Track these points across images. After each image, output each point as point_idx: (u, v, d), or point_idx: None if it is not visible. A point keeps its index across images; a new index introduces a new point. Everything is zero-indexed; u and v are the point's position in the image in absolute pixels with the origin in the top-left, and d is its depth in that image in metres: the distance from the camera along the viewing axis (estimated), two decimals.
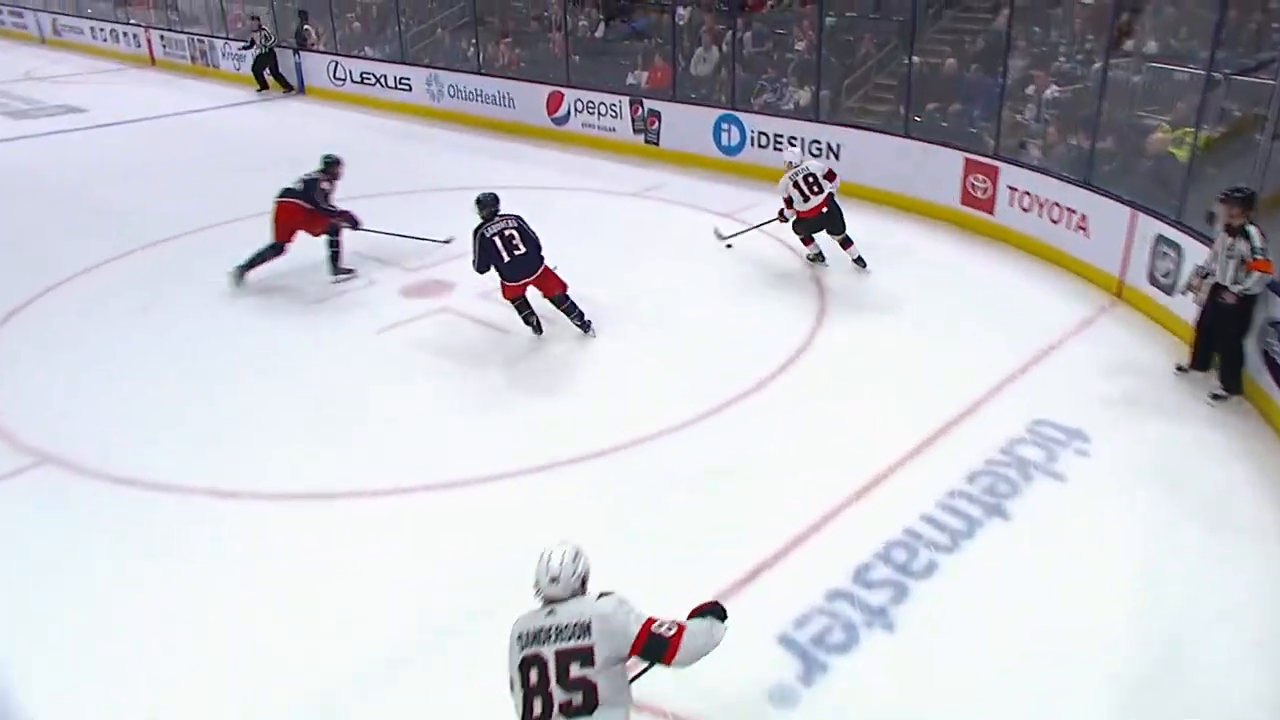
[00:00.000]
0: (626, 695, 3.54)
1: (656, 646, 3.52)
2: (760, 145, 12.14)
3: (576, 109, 13.93)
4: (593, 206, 11.43)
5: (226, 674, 4.77)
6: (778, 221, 9.45)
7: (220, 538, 5.75)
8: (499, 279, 7.88)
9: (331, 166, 9.38)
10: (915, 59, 11.21)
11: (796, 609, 4.94)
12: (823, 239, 9.36)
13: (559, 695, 3.40)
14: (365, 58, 17.44)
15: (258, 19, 18.48)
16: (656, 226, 10.81)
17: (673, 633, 3.54)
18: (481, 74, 15.36)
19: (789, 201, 9.17)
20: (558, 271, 7.96)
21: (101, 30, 23.52)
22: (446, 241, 9.65)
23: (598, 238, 10.22)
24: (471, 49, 15.84)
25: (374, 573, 5.38)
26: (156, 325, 8.56)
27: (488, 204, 8.01)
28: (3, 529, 5.90)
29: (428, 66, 16.22)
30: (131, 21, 22.82)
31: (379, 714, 4.52)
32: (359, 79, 17.17)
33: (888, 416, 6.73)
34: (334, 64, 17.60)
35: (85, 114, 16.98)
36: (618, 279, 9.16)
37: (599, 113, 13.65)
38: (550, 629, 3.48)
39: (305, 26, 18.36)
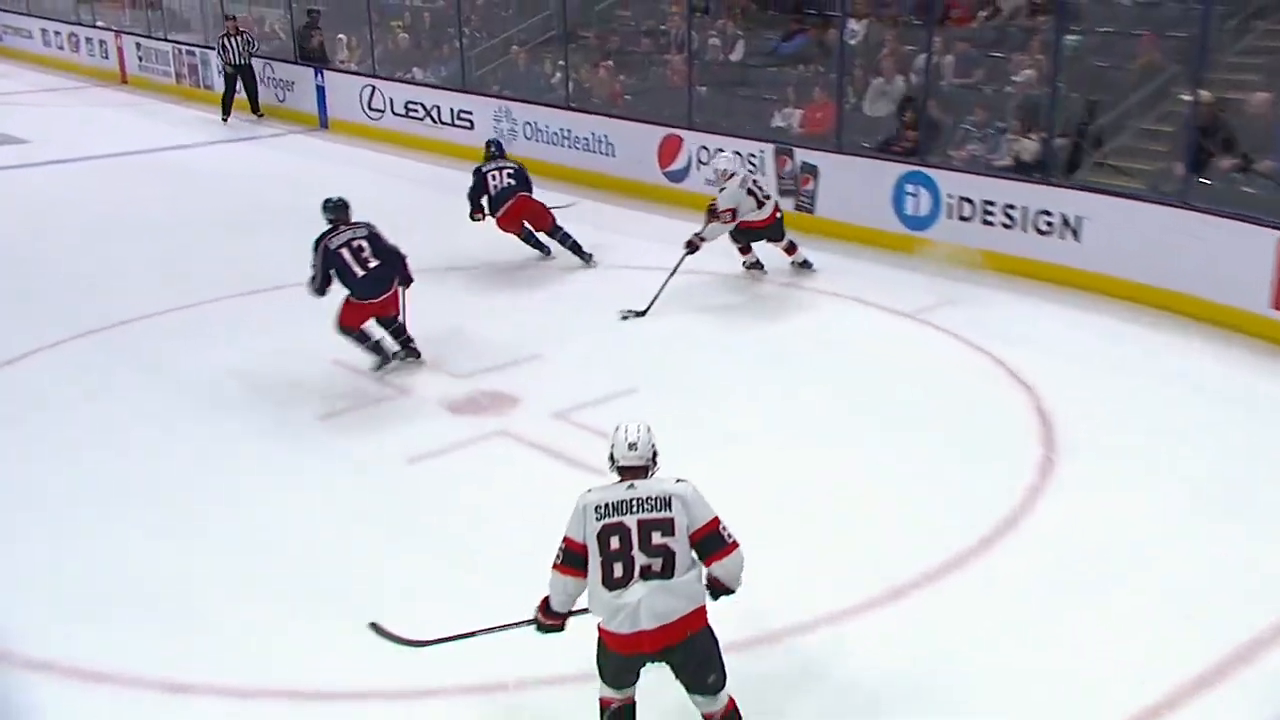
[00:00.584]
0: (698, 569, 4.97)
1: (715, 541, 4.97)
2: (962, 216, 12.06)
3: (700, 159, 14.08)
4: (718, 299, 11.39)
5: None
6: (689, 255, 11.08)
7: None
8: (342, 300, 9.24)
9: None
10: (1203, 93, 10.77)
11: None
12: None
13: (640, 559, 4.81)
14: (413, 82, 18.05)
15: (233, 19, 19.44)
16: (808, 332, 10.67)
17: (731, 540, 4.99)
18: (570, 108, 15.77)
19: (734, 213, 11.06)
20: None
21: (57, 35, 24.93)
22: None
23: (727, 348, 10.12)
24: (558, 74, 16.24)
25: None
26: (97, 438, 8.75)
27: (335, 209, 9.53)
28: None
29: (497, 96, 16.75)
30: (98, 24, 24.02)
31: None
32: (402, 110, 17.70)
33: (1147, 630, 6.32)
34: (370, 89, 18.14)
35: (25, 146, 17.70)
36: (746, 406, 9.02)
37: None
38: (632, 500, 4.89)
39: (315, 30, 19.07)
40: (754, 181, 11.46)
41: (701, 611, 4.97)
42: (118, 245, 13.03)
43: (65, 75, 23.81)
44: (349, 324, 9.35)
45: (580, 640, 5.17)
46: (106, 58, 23.24)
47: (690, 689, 5.09)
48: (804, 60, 14.80)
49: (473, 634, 5.72)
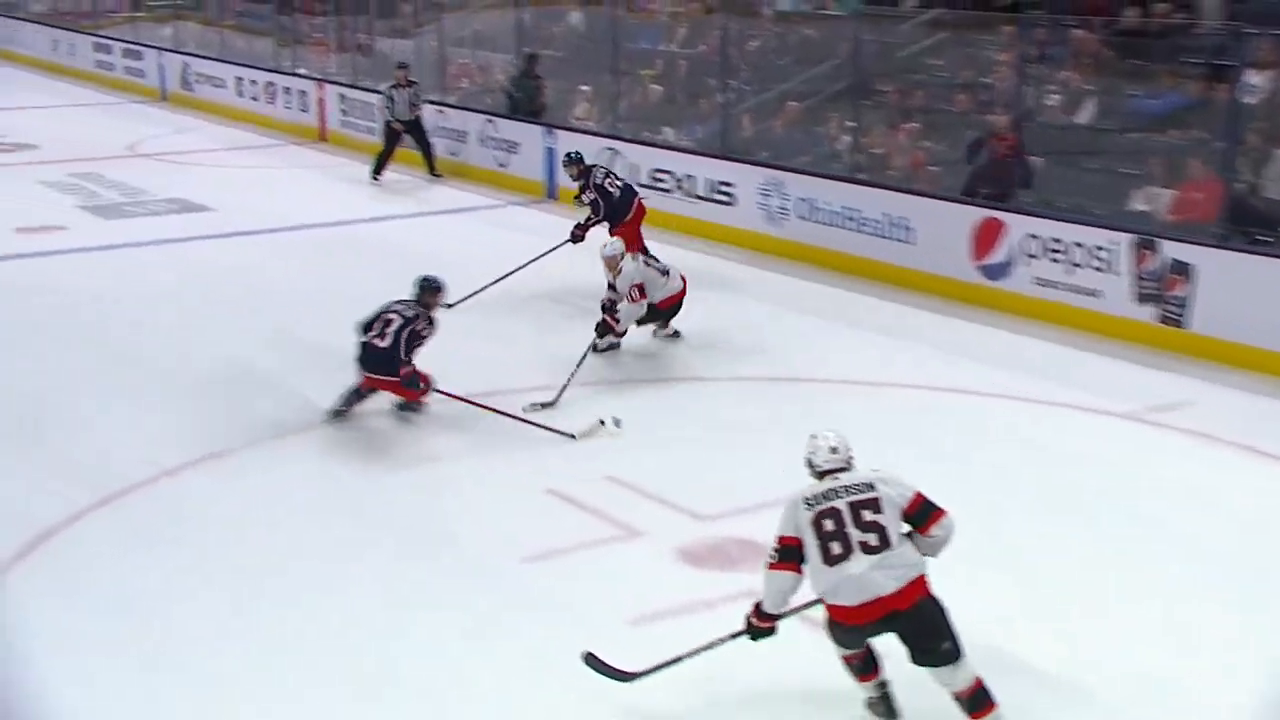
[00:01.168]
0: (912, 542, 6.10)
1: (927, 508, 6.15)
2: None
3: (1026, 251, 13.23)
4: (1046, 434, 10.55)
5: None
6: (601, 344, 12.11)
7: None
8: None
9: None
10: None
11: None
12: None
13: (856, 536, 5.95)
14: (663, 145, 17.55)
15: (405, 68, 19.67)
16: (1173, 484, 9.63)
17: (939, 506, 6.17)
18: (858, 181, 15.11)
19: (642, 289, 11.92)
20: None
21: (253, 84, 25.61)
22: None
23: (1054, 506, 9.26)
24: (844, 138, 15.57)
25: None
26: (269, 562, 8.77)
27: (419, 285, 11.21)
28: None
29: (766, 165, 16.15)
30: (299, 72, 24.46)
31: None
32: (648, 179, 17.26)
33: None
34: (610, 152, 17.75)
35: (209, 215, 17.86)
36: (1098, 606, 8.07)
37: (1069, 259, 12.83)
38: (839, 488, 6.09)
39: (534, 78, 18.88)
40: (649, 258, 12.43)
41: (923, 580, 6.01)
42: (295, 345, 13.08)
43: (258, 130, 24.49)
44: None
45: None
46: (305, 110, 23.76)
47: (925, 661, 6.03)
48: (1178, 125, 13.83)
49: (685, 657, 6.69)
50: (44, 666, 7.49)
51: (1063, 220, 13.08)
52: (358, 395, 11.01)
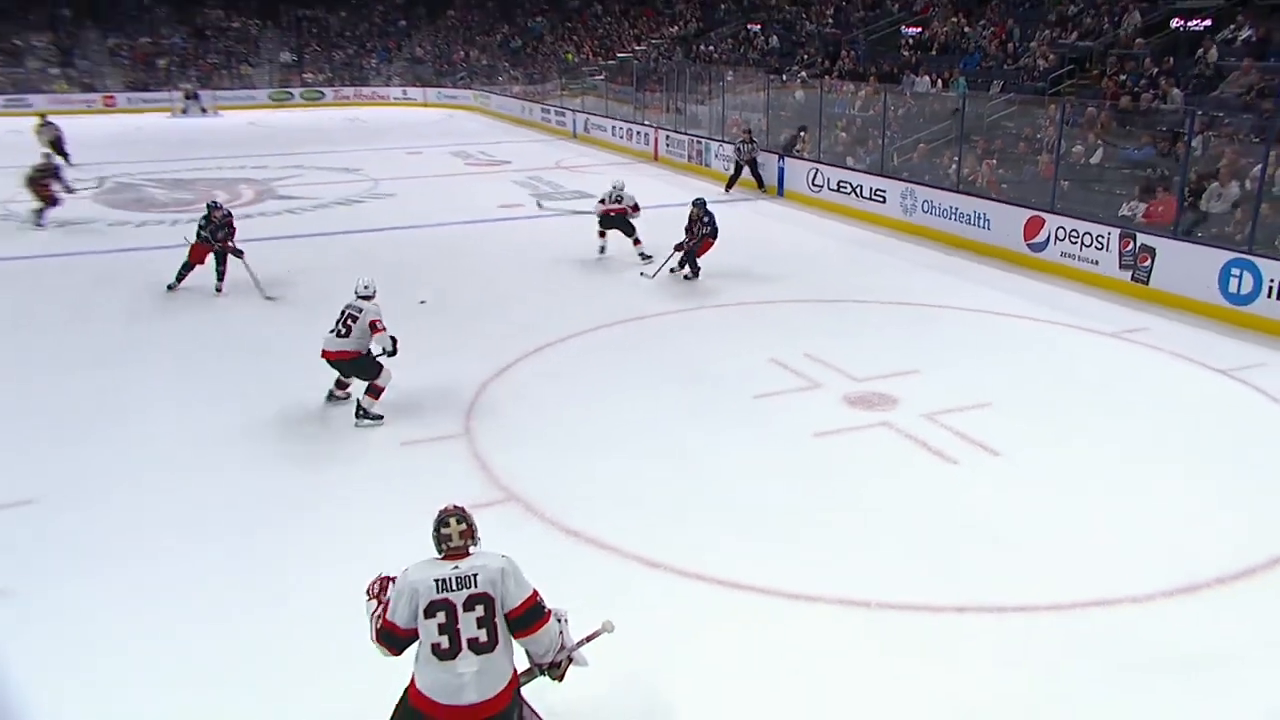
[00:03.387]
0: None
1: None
2: None
3: (1057, 236, 12.63)
4: (1064, 343, 10.12)
5: None
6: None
7: (656, 608, 5.62)
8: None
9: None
10: None
11: None
12: None
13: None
14: (845, 167, 17.19)
15: (749, 131, 18.87)
16: (1136, 374, 9.33)
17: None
18: (959, 191, 14.53)
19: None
20: None
21: (620, 129, 25.66)
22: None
23: (1069, 381, 8.99)
24: (953, 166, 15.04)
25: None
26: (625, 401, 8.61)
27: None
28: None
29: (905, 180, 15.65)
30: (645, 123, 24.55)
31: None
32: (835, 187, 17.01)
33: None
34: (814, 171, 17.57)
35: (590, 200, 18.08)
36: (1084, 428, 7.92)
37: (1082, 243, 12.26)
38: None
39: (800, 133, 18.49)
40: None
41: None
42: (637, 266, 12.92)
43: (621, 155, 24.65)
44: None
45: None
46: (646, 144, 23.85)
47: None
48: (1151, 166, 13.06)
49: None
50: None
51: (1078, 218, 12.42)
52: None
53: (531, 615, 3.81)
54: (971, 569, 5.89)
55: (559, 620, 4.00)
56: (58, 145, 21.33)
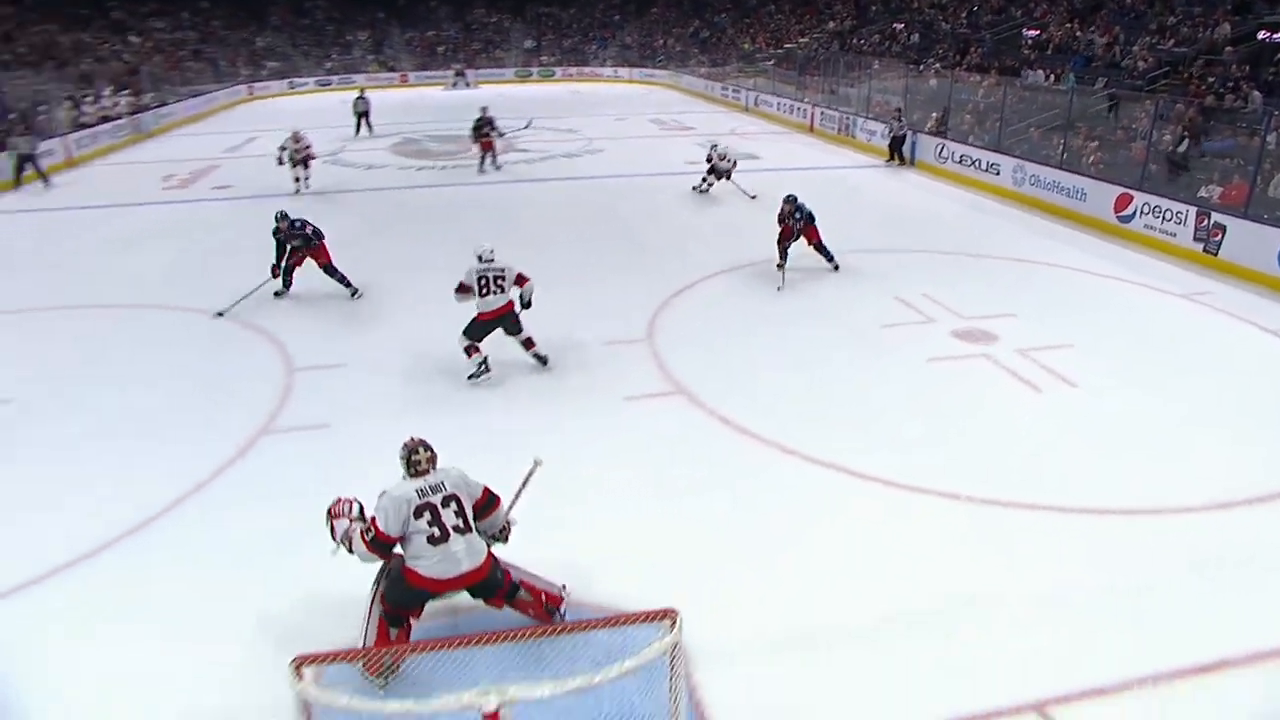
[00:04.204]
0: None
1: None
2: None
3: (1143, 211, 12.07)
4: (1140, 300, 9.70)
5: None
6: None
7: (788, 487, 5.75)
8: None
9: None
10: None
11: None
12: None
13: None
14: (967, 144, 16.55)
15: (900, 110, 18.23)
16: (1199, 329, 8.87)
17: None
18: (1062, 169, 13.92)
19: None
20: None
21: (784, 105, 25.17)
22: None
23: (1142, 331, 8.71)
24: (1061, 146, 14.33)
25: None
26: (772, 326, 8.62)
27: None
28: (641, 427, 6.56)
29: (1017, 157, 15.03)
30: (804, 101, 24.04)
31: None
32: (958, 160, 16.45)
33: None
34: (941, 146, 16.99)
35: (759, 160, 18.04)
36: (1151, 370, 7.71)
37: (1164, 217, 11.71)
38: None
39: (940, 115, 17.92)
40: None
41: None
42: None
43: (782, 126, 24.20)
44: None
45: None
46: (804, 118, 23.32)
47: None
48: (1229, 156, 12.22)
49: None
50: None
51: (1163, 196, 11.80)
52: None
53: (490, 502, 4.10)
54: (1049, 476, 5.80)
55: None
56: (365, 114, 22.29)
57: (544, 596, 4.20)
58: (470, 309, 7.28)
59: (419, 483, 3.94)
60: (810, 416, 6.66)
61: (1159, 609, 4.59)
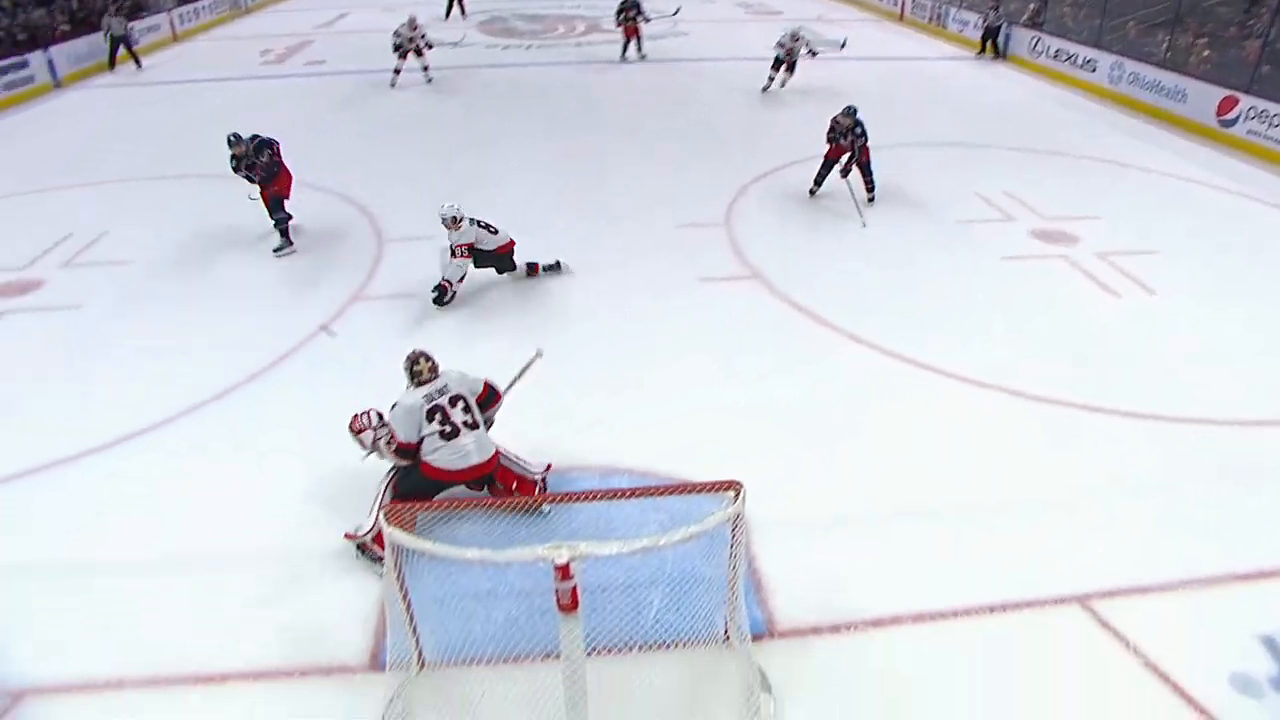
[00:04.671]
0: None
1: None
2: None
3: (1247, 115, 11.10)
4: (1232, 208, 9.04)
5: None
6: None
7: (855, 375, 5.73)
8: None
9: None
10: None
11: None
12: None
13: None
14: (1064, 38, 15.26)
15: (997, 2, 16.92)
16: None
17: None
18: (1164, 67, 12.83)
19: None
20: None
21: None
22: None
23: (1230, 241, 8.14)
24: (1165, 43, 13.12)
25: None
26: (851, 218, 8.37)
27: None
28: (716, 308, 6.61)
29: (1116, 54, 13.84)
30: None
31: None
32: (1053, 54, 15.26)
33: None
34: (1036, 39, 15.76)
35: (851, 49, 17.04)
36: (1234, 283, 7.25)
37: (1270, 123, 10.75)
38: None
39: (1035, 5, 16.55)
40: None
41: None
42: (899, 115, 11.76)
43: (871, 14, 22.67)
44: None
45: None
46: (894, 5, 21.77)
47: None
48: None
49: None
50: None
51: (1270, 100, 10.76)
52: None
53: (491, 395, 4.32)
54: (1117, 381, 5.67)
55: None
56: None
57: (515, 484, 4.34)
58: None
59: (425, 389, 4.14)
60: (881, 308, 6.58)
61: (1214, 517, 4.50)
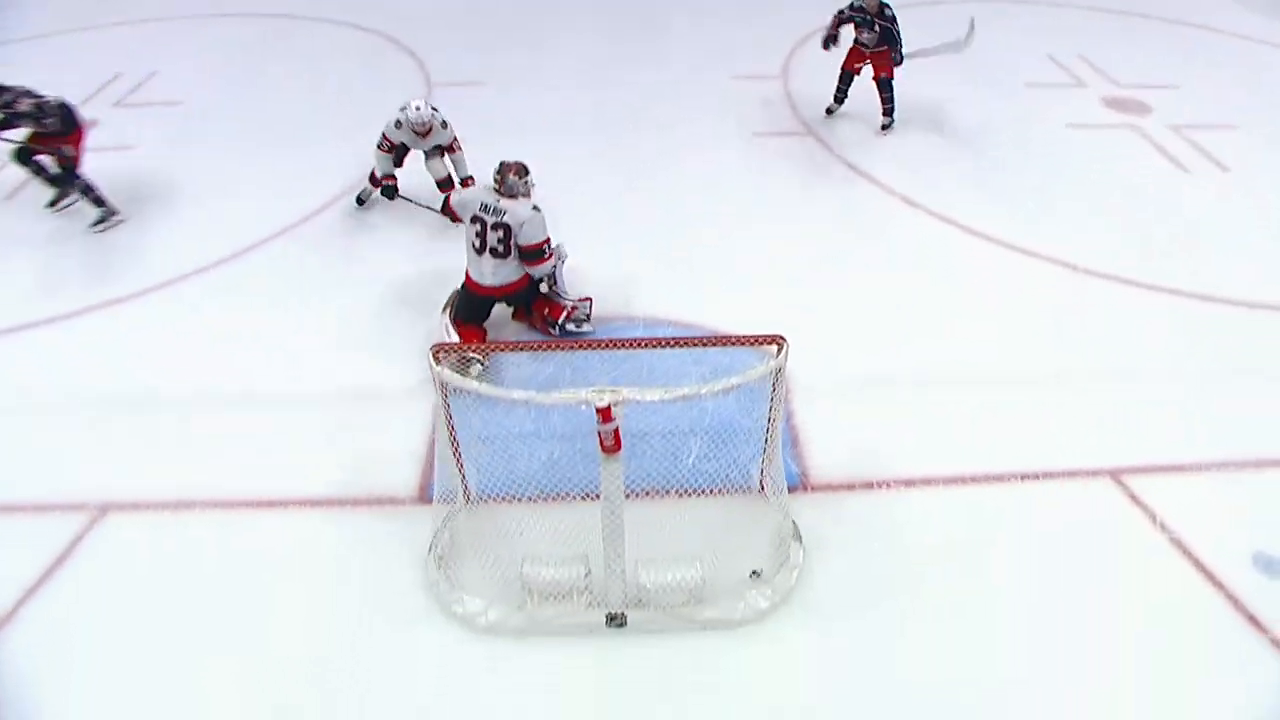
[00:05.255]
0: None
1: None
2: None
3: None
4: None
5: None
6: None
7: (905, 239, 5.53)
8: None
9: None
10: None
11: None
12: None
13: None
14: None
15: None
16: None
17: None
18: None
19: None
20: None
21: None
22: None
23: None
24: None
25: None
26: (909, 77, 7.41)
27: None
28: (769, 163, 6.37)
29: None
30: None
31: None
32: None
33: None
34: None
35: None
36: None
37: None
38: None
39: None
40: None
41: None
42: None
43: None
44: None
45: None
46: None
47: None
48: None
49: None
50: None
51: None
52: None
53: (534, 254, 4.25)
54: (1175, 260, 5.33)
55: (560, 259, 4.44)
56: None
57: (545, 310, 4.51)
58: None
59: (488, 197, 4.26)
60: (936, 173, 6.25)
61: (1257, 405, 4.30)
